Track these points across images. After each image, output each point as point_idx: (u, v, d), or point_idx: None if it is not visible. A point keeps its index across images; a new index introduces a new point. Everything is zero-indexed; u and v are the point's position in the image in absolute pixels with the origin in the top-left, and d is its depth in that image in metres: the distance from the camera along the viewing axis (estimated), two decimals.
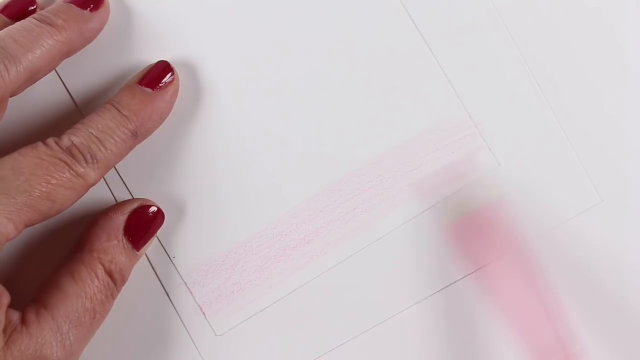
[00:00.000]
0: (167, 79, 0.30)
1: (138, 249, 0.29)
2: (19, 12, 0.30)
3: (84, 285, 0.27)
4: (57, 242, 0.30)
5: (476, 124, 0.31)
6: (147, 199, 0.30)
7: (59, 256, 0.29)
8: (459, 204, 0.31)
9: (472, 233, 0.31)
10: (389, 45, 0.30)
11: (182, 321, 0.31)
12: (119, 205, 0.30)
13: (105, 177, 0.31)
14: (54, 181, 0.26)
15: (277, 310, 0.31)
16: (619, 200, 0.31)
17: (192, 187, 0.31)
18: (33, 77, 0.27)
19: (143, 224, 0.30)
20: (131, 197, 0.31)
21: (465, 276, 0.31)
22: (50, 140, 0.27)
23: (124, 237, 0.29)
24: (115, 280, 0.28)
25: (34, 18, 0.28)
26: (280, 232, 0.31)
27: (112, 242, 0.28)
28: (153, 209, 0.30)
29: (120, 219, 0.29)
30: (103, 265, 0.28)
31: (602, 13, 0.30)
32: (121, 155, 0.28)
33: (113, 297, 0.28)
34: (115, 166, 0.30)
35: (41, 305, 0.27)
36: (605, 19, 0.30)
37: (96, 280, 0.28)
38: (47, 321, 0.26)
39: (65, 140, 0.27)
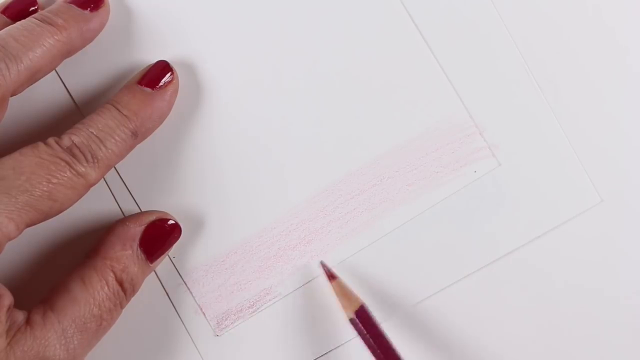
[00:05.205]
0: (166, 78, 0.30)
1: (152, 262, 0.29)
2: (20, 12, 0.30)
3: (94, 292, 0.27)
4: (62, 243, 0.30)
5: (476, 124, 0.31)
6: (166, 212, 0.31)
7: (65, 257, 0.30)
8: (460, 203, 0.31)
9: None
10: (389, 45, 0.30)
11: (182, 321, 0.31)
12: (137, 215, 0.30)
13: (105, 178, 0.31)
14: (55, 180, 0.26)
15: (277, 310, 0.31)
16: (619, 200, 0.31)
17: (191, 188, 0.31)
18: (34, 77, 0.27)
19: (159, 236, 0.30)
20: (132, 198, 0.31)
21: (466, 277, 0.31)
22: (51, 140, 0.27)
23: (138, 248, 0.29)
24: (126, 289, 0.28)
25: (34, 18, 0.28)
26: (280, 232, 0.31)
27: (126, 252, 0.29)
28: (171, 222, 0.30)
29: (137, 230, 0.29)
30: (114, 274, 0.28)
31: (602, 13, 0.30)
32: (121, 155, 0.28)
33: (122, 306, 0.28)
34: (116, 167, 0.30)
35: (49, 307, 0.27)
36: (606, 19, 0.30)
37: (106, 287, 0.28)
38: (52, 323, 0.26)
39: (66, 140, 0.27)
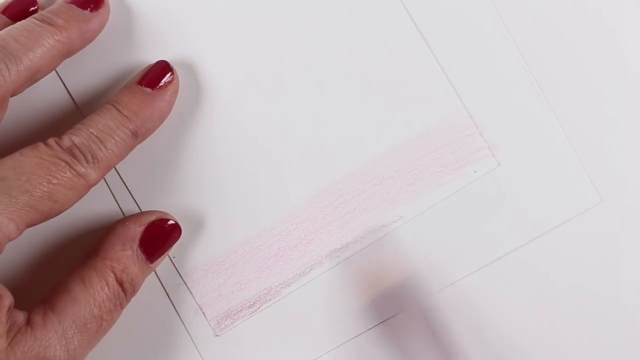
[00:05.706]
0: (166, 78, 0.30)
1: (152, 262, 0.29)
2: (20, 12, 0.30)
3: (94, 292, 0.27)
4: (62, 243, 0.30)
5: (476, 124, 0.31)
6: (166, 213, 0.31)
7: (65, 257, 0.29)
8: (460, 203, 0.31)
9: None
10: (389, 45, 0.30)
11: (182, 321, 0.31)
12: (137, 215, 0.30)
13: (105, 178, 0.31)
14: (55, 181, 0.26)
15: (277, 310, 0.31)
16: (619, 200, 0.31)
17: (191, 188, 0.31)
18: (34, 77, 0.27)
19: (159, 237, 0.30)
20: (132, 199, 0.31)
21: (465, 277, 0.31)
22: (51, 141, 0.27)
23: (138, 248, 0.29)
24: (126, 290, 0.28)
25: (34, 18, 0.28)
26: (280, 232, 0.31)
27: (126, 252, 0.29)
28: (171, 222, 0.30)
29: (137, 230, 0.29)
30: (115, 274, 0.28)
31: (602, 13, 0.30)
32: (122, 155, 0.28)
33: (122, 306, 0.28)
34: (116, 167, 0.30)
35: (49, 308, 0.27)
36: (606, 19, 0.30)
37: (106, 288, 0.28)
38: (52, 324, 0.26)
39: (66, 141, 0.27)
